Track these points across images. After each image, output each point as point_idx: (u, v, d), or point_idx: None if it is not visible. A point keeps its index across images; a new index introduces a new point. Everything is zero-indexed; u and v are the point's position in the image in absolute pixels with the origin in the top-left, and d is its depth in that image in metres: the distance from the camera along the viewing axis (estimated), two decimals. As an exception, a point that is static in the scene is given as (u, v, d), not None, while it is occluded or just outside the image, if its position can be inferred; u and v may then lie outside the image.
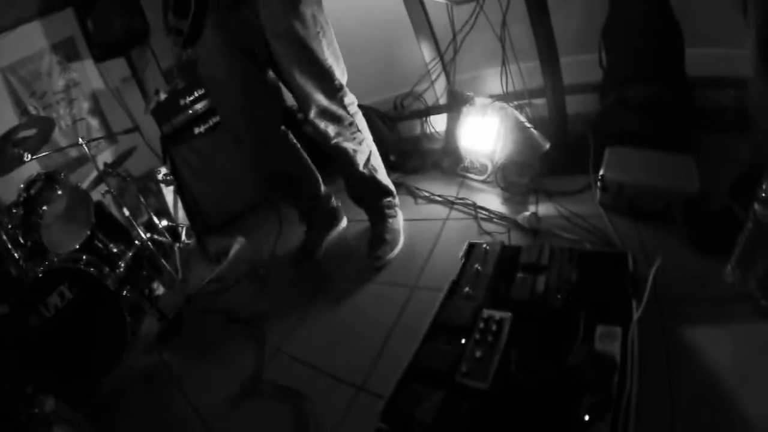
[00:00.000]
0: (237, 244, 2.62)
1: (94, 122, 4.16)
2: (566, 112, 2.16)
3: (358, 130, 1.88)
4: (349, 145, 1.85)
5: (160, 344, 2.15)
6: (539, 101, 2.30)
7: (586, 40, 2.09)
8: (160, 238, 2.71)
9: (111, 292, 2.21)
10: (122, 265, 2.51)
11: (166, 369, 1.97)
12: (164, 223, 2.90)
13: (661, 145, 1.71)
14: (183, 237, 2.88)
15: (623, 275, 1.24)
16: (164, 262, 2.58)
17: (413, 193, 2.33)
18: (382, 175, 2.02)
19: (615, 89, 1.97)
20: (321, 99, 1.71)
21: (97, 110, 4.23)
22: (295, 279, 2.18)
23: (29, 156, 2.46)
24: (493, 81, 2.49)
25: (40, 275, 2.11)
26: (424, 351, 1.25)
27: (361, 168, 1.91)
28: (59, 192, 2.45)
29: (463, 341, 1.22)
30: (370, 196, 2.05)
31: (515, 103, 2.34)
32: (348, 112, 1.82)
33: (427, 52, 2.82)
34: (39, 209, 2.41)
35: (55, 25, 4.21)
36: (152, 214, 2.76)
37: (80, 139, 2.58)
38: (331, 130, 1.78)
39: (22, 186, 2.50)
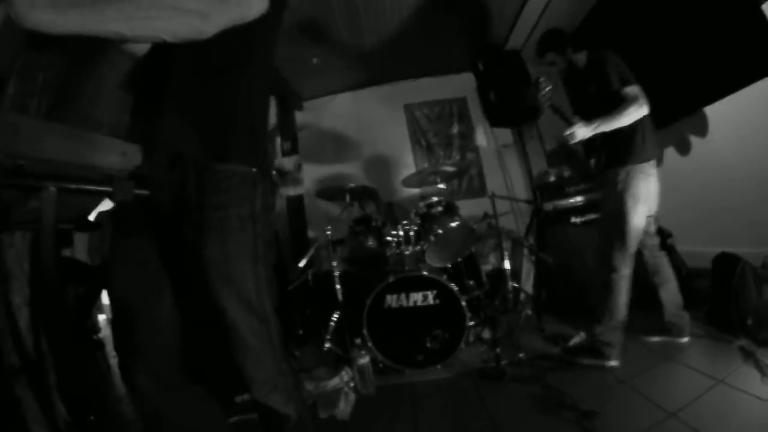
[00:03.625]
0: (578, 338, 2.63)
1: (473, 172, 4.94)
2: None
3: None
4: None
5: (480, 380, 2.42)
6: None
7: None
8: (515, 295, 2.95)
9: (463, 316, 2.58)
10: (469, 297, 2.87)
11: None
12: (513, 284, 3.15)
13: None
14: (521, 302, 3.06)
15: None
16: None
17: (762, 369, 2.05)
18: None
19: None
20: None
21: (477, 163, 5.04)
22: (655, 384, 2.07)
23: (441, 184, 3.19)
24: None
25: (424, 274, 2.67)
26: None
27: None
28: (453, 223, 2.95)
29: None
30: None
31: None
32: None
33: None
34: (433, 226, 2.99)
35: (454, 83, 5.41)
36: (507, 270, 3.01)
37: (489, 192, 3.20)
38: None
39: (423, 204, 3.19)
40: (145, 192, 1.09)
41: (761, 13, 2.49)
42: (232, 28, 1.16)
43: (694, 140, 3.26)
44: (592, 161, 2.53)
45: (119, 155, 1.11)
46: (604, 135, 2.33)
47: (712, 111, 3.05)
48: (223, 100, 1.21)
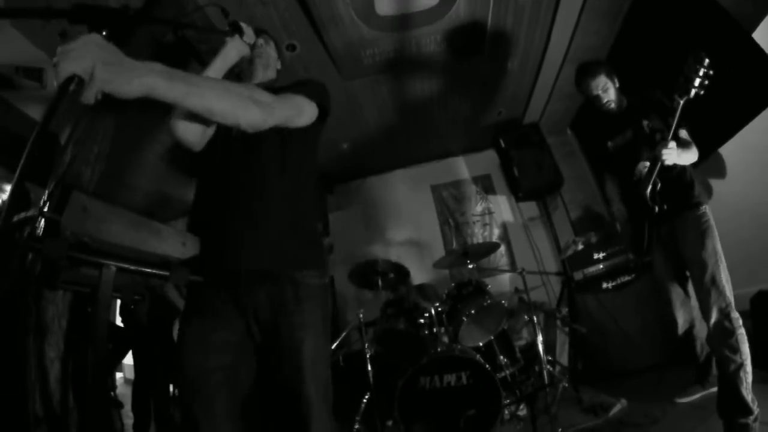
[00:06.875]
0: (619, 405, 2.69)
1: (502, 249, 5.16)
2: None
3: None
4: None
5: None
6: None
7: None
8: (550, 369, 3.05)
9: (498, 395, 2.68)
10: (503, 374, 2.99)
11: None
12: (548, 357, 3.25)
13: None
14: (556, 375, 3.15)
15: None
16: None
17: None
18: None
19: None
20: None
21: (505, 239, 5.28)
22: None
23: (471, 264, 3.44)
24: None
25: (457, 354, 2.82)
26: None
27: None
28: (485, 302, 3.17)
29: None
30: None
31: None
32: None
33: None
34: (464, 307, 3.20)
35: (477, 162, 5.84)
36: (540, 344, 3.13)
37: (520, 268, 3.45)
38: None
39: (454, 284, 3.45)
40: (199, 278, 1.25)
41: (753, 41, 2.57)
42: (292, 129, 1.43)
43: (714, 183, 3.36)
44: (655, 207, 2.29)
45: (180, 245, 1.21)
46: (667, 178, 2.24)
47: (725, 151, 3.18)
48: (298, 206, 1.46)
